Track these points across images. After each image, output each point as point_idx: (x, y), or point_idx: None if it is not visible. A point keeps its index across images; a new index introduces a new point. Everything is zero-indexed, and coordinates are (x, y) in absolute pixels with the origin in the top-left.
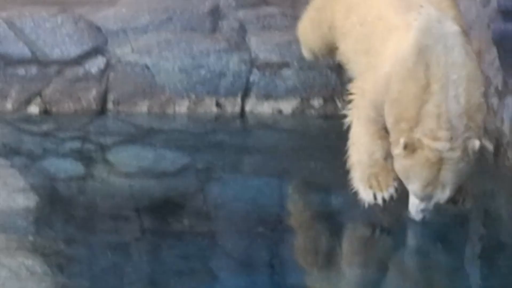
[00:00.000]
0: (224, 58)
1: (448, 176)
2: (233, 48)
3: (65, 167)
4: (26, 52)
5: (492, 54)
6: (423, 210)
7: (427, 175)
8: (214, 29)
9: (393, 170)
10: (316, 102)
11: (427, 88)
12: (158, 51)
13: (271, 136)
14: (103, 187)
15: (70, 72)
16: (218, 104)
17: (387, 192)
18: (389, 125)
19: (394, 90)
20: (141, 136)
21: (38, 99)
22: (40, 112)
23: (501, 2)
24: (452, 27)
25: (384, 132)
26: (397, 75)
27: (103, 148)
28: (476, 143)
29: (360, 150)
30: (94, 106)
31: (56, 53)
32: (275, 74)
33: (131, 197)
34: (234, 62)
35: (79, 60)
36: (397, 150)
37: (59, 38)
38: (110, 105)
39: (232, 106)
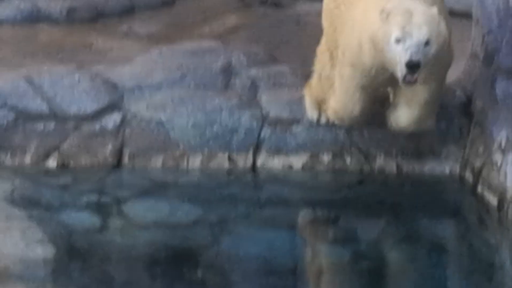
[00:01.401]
0: (236, 115)
1: (420, 18)
2: (245, 105)
3: (82, 219)
4: (44, 107)
5: (495, 112)
6: (408, 49)
7: (402, 18)
8: (227, 86)
9: None
10: (325, 158)
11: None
12: (172, 107)
13: (281, 190)
14: (119, 239)
15: (87, 128)
16: (230, 159)
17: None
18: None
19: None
20: (155, 189)
21: (56, 153)
22: (58, 166)
23: (504, 62)
24: (429, 11)
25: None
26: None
27: (119, 201)
28: (435, 9)
29: (320, 67)
30: (110, 160)
31: (73, 109)
32: (285, 130)
33: (146, 249)
34: (246, 118)
35: (96, 115)
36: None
37: (77, 94)
38: (125, 160)
39: (244, 161)
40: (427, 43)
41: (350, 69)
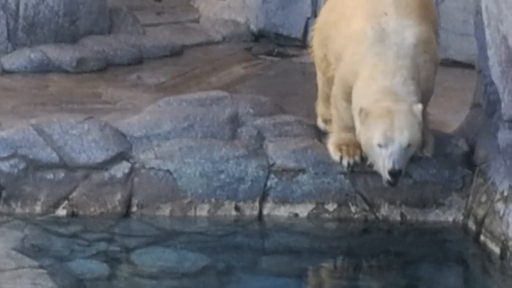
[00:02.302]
0: (243, 164)
1: (401, 121)
2: (251, 154)
3: (92, 268)
4: (54, 157)
5: (498, 162)
6: (390, 156)
7: (383, 123)
8: (233, 136)
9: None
10: (331, 207)
11: (370, 79)
12: (180, 157)
13: (287, 239)
14: (128, 287)
15: (96, 177)
16: (237, 208)
17: (352, 159)
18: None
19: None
20: (163, 238)
21: (66, 202)
22: (67, 214)
23: (506, 112)
24: (408, 39)
25: None
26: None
27: (127, 250)
28: (420, 106)
29: (336, 117)
30: (119, 209)
31: (83, 158)
32: (291, 179)
33: None
34: (252, 168)
35: (105, 165)
36: (356, 119)
37: (86, 144)
38: (134, 208)
39: (250, 210)
40: (408, 146)
41: (344, 103)
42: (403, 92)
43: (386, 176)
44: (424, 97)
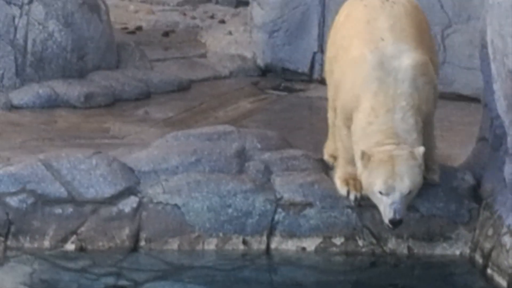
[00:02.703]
0: (250, 198)
1: (402, 168)
2: (259, 189)
3: None
4: (62, 192)
5: (504, 195)
6: (391, 205)
7: (384, 171)
8: (241, 170)
9: None
10: (338, 240)
11: (372, 113)
12: (188, 191)
13: (295, 273)
14: None
15: (105, 211)
16: (244, 242)
17: (359, 193)
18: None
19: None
20: (172, 272)
21: (74, 237)
22: (76, 249)
23: None
24: (405, 62)
25: None
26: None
27: (136, 284)
28: (421, 149)
29: (341, 149)
30: (127, 244)
31: (91, 193)
32: (298, 213)
33: None
34: (259, 202)
35: (113, 200)
36: (358, 161)
37: (94, 179)
38: (142, 243)
39: (258, 244)
40: (409, 193)
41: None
42: (403, 131)
43: (386, 222)
44: (426, 118)
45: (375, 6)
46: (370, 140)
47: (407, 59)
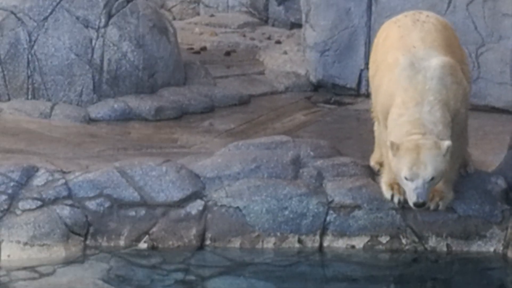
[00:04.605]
0: (304, 201)
1: (426, 157)
2: (312, 193)
3: None
4: (136, 196)
5: None
6: (415, 190)
7: (410, 158)
8: (296, 176)
9: None
10: (384, 239)
11: (403, 106)
12: (249, 195)
13: (345, 268)
14: None
15: (174, 214)
16: (300, 241)
17: (402, 196)
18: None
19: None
20: (234, 268)
21: (147, 237)
22: (148, 247)
23: None
24: (434, 62)
25: None
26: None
27: (202, 279)
28: (446, 143)
29: (386, 153)
30: (194, 243)
31: (161, 197)
32: (348, 214)
33: None
34: (313, 205)
35: (181, 203)
36: (388, 151)
37: (164, 184)
38: (208, 242)
39: (311, 242)
40: (432, 179)
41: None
42: (430, 122)
43: (411, 205)
44: (456, 116)
45: (408, 25)
46: (401, 130)
47: (436, 60)
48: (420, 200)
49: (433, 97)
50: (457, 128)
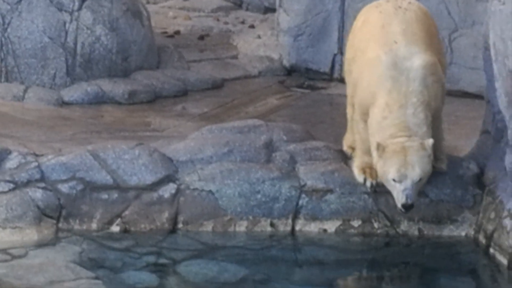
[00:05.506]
0: (277, 185)
1: (413, 158)
2: (285, 176)
3: (142, 278)
4: (108, 179)
5: (505, 183)
6: (404, 191)
7: (397, 160)
8: (268, 160)
9: None
10: (356, 223)
11: (386, 108)
12: (221, 179)
13: (317, 252)
14: None
15: (146, 197)
16: (272, 224)
17: (374, 180)
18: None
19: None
20: (206, 251)
21: (119, 220)
22: (120, 231)
23: None
24: (416, 63)
25: None
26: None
27: (174, 262)
28: (430, 141)
29: (359, 141)
30: (166, 226)
31: (134, 181)
32: (320, 198)
33: None
34: (285, 188)
35: (154, 186)
36: (373, 152)
37: (137, 168)
38: (180, 225)
39: (284, 226)
40: (420, 180)
41: (363, 124)
42: (414, 124)
43: (399, 207)
44: (435, 113)
45: (389, 13)
46: (385, 132)
47: (418, 60)
48: (409, 201)
49: (416, 99)
50: (436, 123)
